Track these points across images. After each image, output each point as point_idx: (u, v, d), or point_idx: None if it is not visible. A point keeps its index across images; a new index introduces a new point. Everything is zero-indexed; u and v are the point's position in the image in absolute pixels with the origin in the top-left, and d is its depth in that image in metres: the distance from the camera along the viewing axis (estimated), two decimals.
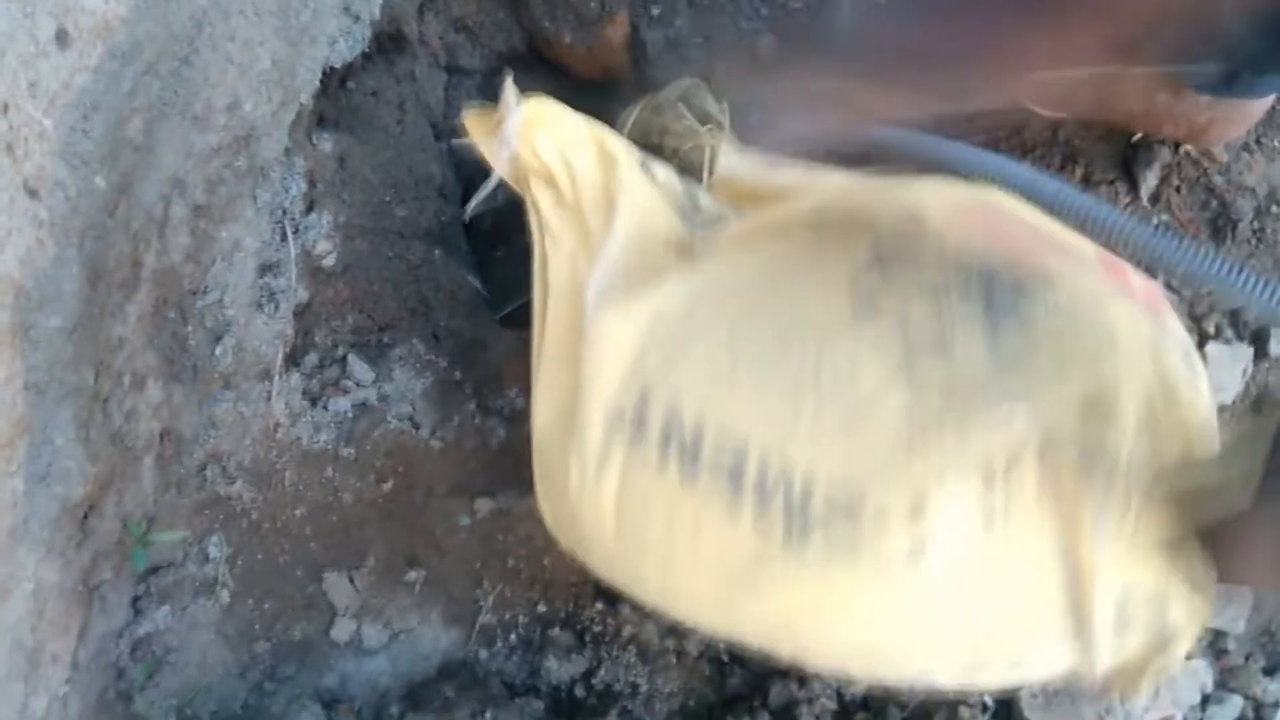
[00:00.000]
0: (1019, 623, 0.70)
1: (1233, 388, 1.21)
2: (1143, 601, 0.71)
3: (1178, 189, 1.23)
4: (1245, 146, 1.25)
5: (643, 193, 0.81)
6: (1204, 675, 1.14)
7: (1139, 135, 1.22)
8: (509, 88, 0.79)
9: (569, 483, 0.76)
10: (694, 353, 0.75)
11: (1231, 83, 1.05)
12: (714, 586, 0.73)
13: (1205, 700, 1.14)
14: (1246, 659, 1.15)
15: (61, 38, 0.66)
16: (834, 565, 0.68)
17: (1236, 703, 1.13)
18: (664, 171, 0.84)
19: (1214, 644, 1.15)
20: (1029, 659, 0.72)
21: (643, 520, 0.74)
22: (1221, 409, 1.22)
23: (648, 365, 0.74)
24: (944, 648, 0.70)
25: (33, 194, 0.68)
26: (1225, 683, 1.15)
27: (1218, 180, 1.22)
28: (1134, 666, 0.73)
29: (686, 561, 0.73)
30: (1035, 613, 0.70)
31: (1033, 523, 0.69)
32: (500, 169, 0.81)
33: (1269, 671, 1.15)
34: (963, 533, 0.68)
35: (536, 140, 0.79)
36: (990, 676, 0.72)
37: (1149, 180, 1.22)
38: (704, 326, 0.76)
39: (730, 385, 0.73)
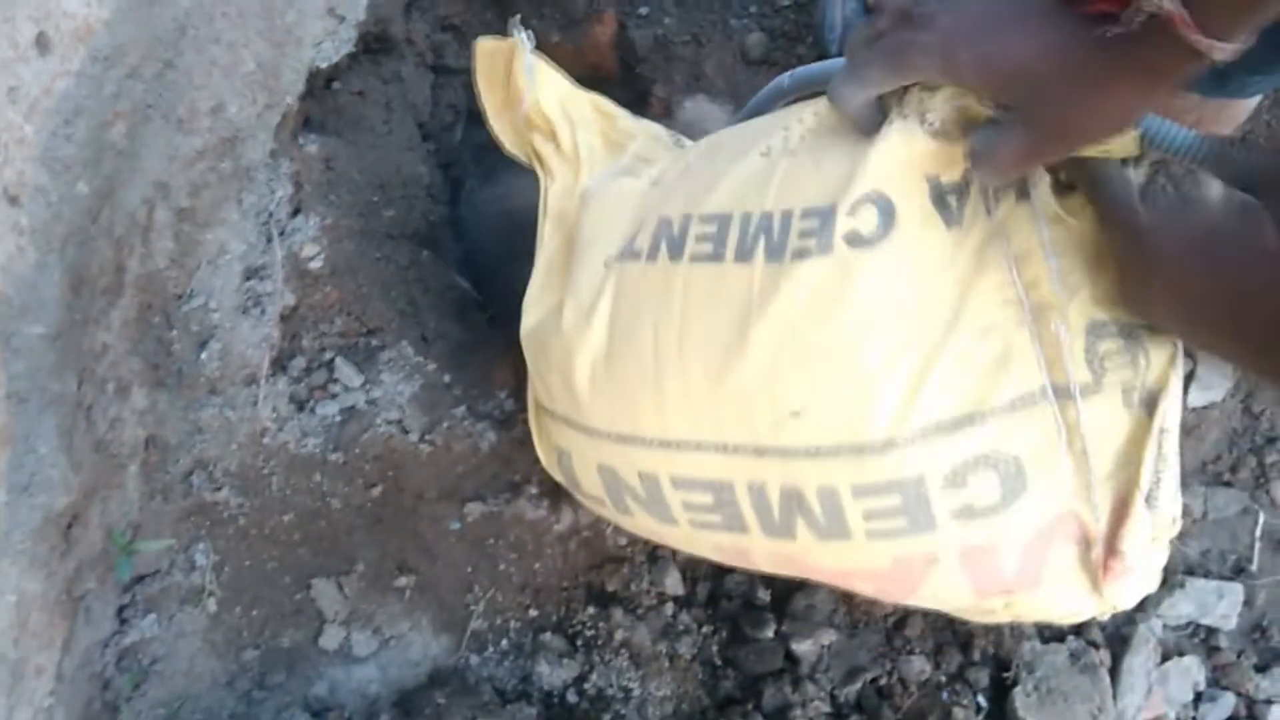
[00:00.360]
0: (994, 369, 0.69)
1: (1221, 386, 1.21)
2: (1112, 342, 0.70)
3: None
4: (1231, 144, 1.25)
5: (643, 133, 0.91)
6: (1196, 673, 1.14)
7: None
8: (518, 30, 0.86)
9: (562, 330, 0.81)
10: (680, 184, 0.80)
11: (1224, 81, 1.05)
12: (705, 366, 0.74)
13: (1198, 698, 1.14)
14: (1239, 656, 1.15)
15: (42, 42, 0.65)
16: (809, 269, 0.70)
17: (1229, 700, 1.14)
18: (649, 122, 0.95)
19: (1206, 641, 1.15)
20: (1013, 430, 0.70)
21: (633, 325, 0.77)
22: (1209, 407, 1.22)
23: (644, 209, 0.80)
24: (928, 377, 0.69)
25: (13, 201, 0.67)
26: (1217, 680, 1.15)
27: None
28: (1128, 459, 0.71)
29: (676, 355, 0.75)
30: (1009, 354, 0.69)
31: (989, 243, 0.70)
32: (497, 119, 0.91)
33: (1261, 668, 1.15)
34: (924, 235, 0.69)
35: (540, 97, 0.87)
36: (980, 475, 0.70)
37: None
38: (690, 170, 0.81)
39: (709, 187, 0.77)
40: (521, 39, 0.86)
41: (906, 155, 0.69)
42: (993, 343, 0.70)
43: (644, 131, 0.93)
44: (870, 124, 0.72)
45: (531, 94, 0.86)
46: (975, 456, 0.70)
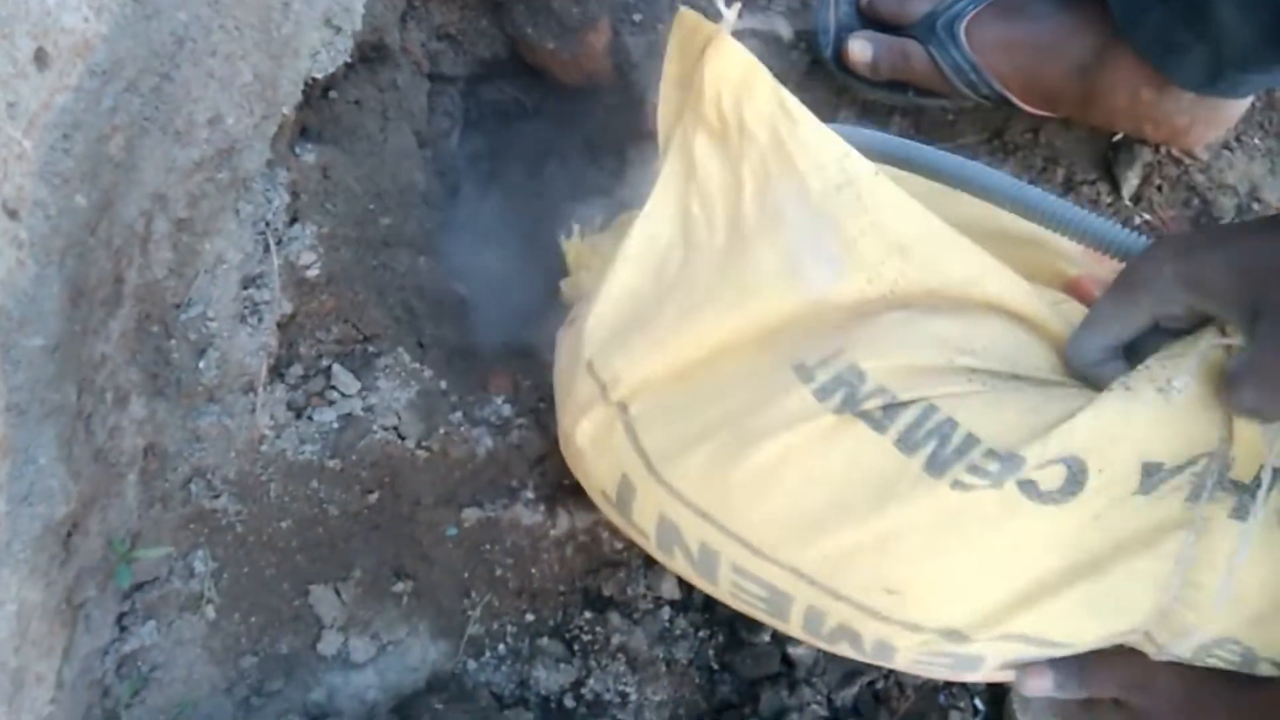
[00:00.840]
0: (1107, 618, 0.68)
1: None
2: (1230, 653, 0.68)
3: (1159, 188, 1.24)
4: (1226, 145, 1.26)
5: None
6: None
7: (1120, 135, 1.22)
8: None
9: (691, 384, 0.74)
10: (879, 329, 0.72)
11: (1217, 79, 1.05)
12: (818, 513, 0.70)
13: None
14: None
15: (40, 58, 0.65)
16: (970, 496, 0.66)
17: None
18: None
19: None
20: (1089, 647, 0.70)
21: (762, 435, 0.71)
22: None
23: (840, 328, 0.72)
24: (1036, 608, 0.67)
25: (12, 215, 0.67)
26: None
27: (1199, 179, 1.23)
28: None
29: (791, 487, 0.70)
30: (1128, 610, 0.67)
31: (1172, 530, 0.66)
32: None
33: None
34: (1106, 503, 0.66)
35: (728, 93, 0.75)
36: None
37: (1130, 180, 1.22)
38: (891, 323, 0.73)
39: (903, 365, 0.70)
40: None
41: (1121, 430, 0.65)
42: (1116, 602, 0.68)
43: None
44: (1098, 373, 0.69)
45: (716, 86, 0.75)
46: (1040, 657, 0.71)
